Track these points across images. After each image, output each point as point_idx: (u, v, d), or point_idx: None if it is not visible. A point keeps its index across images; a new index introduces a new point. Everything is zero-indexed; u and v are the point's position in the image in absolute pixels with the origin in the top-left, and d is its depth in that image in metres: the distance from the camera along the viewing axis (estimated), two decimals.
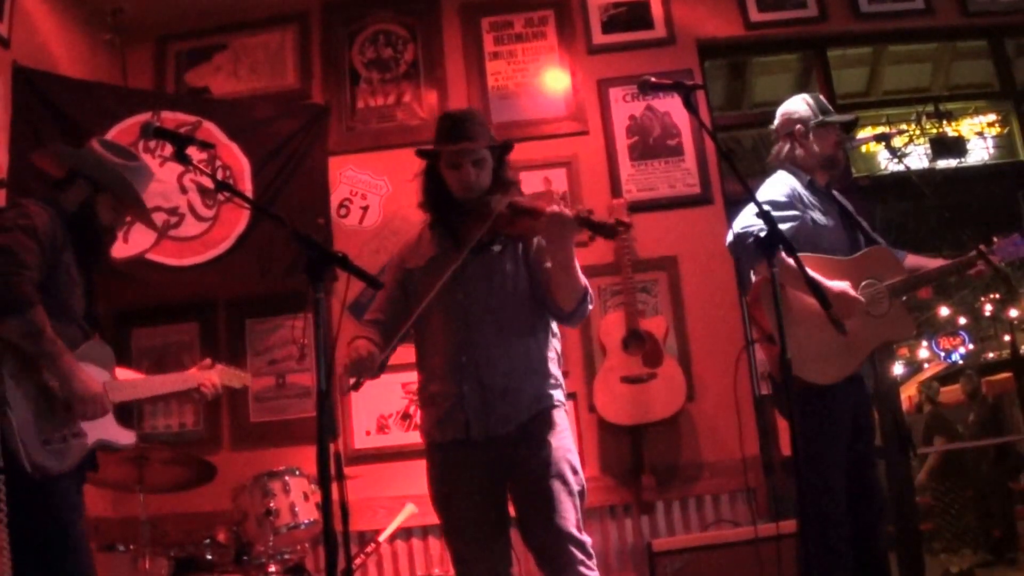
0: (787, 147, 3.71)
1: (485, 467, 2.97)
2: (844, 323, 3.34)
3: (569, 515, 2.91)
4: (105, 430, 3.01)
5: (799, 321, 3.34)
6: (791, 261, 2.80)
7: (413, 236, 3.26)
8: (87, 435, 2.90)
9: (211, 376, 3.51)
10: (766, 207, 3.43)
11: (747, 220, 3.38)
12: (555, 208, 2.83)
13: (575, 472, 2.99)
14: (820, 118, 3.64)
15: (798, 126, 3.67)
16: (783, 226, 3.41)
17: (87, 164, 3.10)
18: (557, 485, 2.93)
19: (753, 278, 3.60)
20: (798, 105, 3.71)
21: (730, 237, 3.46)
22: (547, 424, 3.01)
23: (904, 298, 3.55)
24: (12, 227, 2.78)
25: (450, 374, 2.99)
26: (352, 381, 2.89)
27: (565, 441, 3.02)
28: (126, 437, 3.13)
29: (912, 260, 3.65)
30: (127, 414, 3.23)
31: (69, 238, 2.97)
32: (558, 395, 3.07)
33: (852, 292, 3.38)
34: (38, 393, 2.76)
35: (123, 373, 3.26)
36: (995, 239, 3.52)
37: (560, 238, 2.86)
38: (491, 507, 2.99)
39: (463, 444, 2.96)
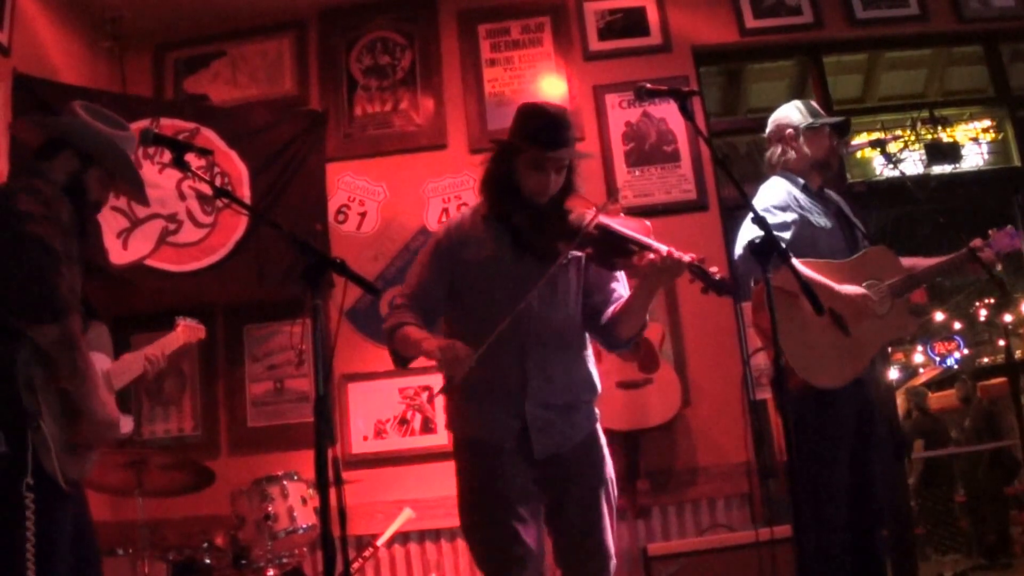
0: (779, 151, 3.74)
1: (533, 476, 2.84)
2: (848, 325, 3.38)
3: (612, 541, 2.88)
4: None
5: (805, 326, 3.36)
6: (792, 265, 2.80)
7: (463, 221, 2.98)
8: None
9: (188, 332, 3.49)
10: (764, 213, 3.47)
11: (751, 234, 3.37)
12: (672, 253, 2.65)
13: (614, 487, 2.96)
14: (810, 121, 3.68)
15: (789, 130, 3.71)
16: (784, 233, 3.44)
17: (77, 134, 2.82)
18: (605, 509, 2.88)
19: (754, 286, 3.62)
20: (789, 111, 3.75)
21: (739, 251, 3.45)
22: (597, 441, 2.96)
23: (904, 298, 3.56)
24: (41, 216, 2.54)
25: (507, 387, 2.84)
26: (444, 384, 2.74)
27: (609, 457, 2.97)
28: (127, 426, 2.95)
29: (908, 261, 3.66)
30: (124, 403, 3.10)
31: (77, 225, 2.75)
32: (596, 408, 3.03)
33: (862, 290, 3.42)
34: (61, 400, 2.58)
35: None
36: (991, 232, 3.54)
37: (661, 281, 2.74)
38: (536, 511, 2.84)
39: (516, 452, 2.83)
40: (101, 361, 2.88)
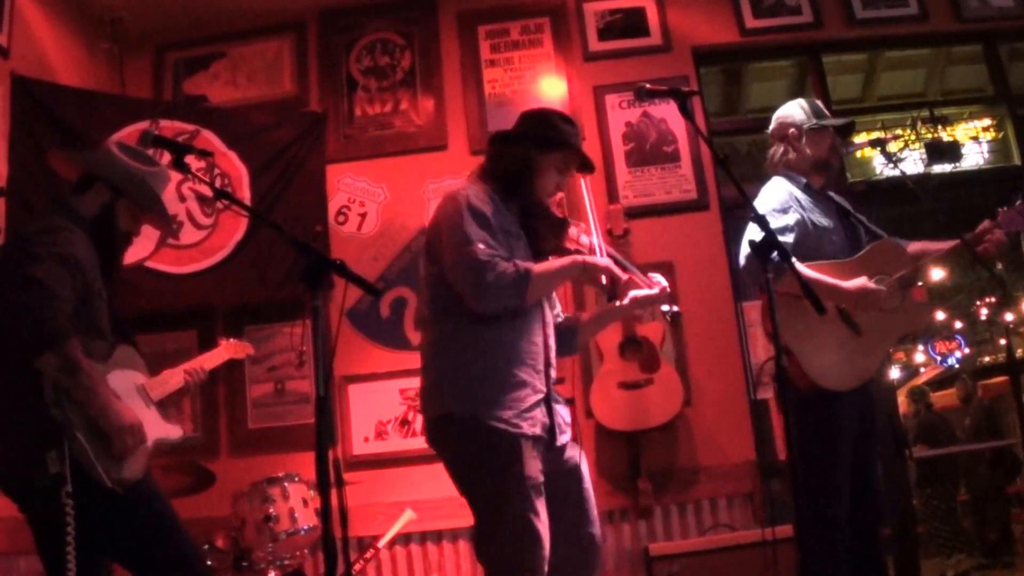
0: (781, 150, 3.71)
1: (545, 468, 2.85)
2: (854, 318, 3.35)
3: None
4: (160, 429, 3.07)
5: (816, 329, 3.34)
6: (793, 266, 2.79)
7: (480, 191, 2.87)
8: (147, 437, 2.91)
9: (233, 349, 3.80)
10: (765, 215, 3.45)
11: (754, 237, 3.35)
12: (666, 289, 2.84)
13: None
14: (814, 122, 3.64)
15: (792, 130, 3.67)
16: (787, 236, 3.41)
17: (108, 169, 3.01)
18: (593, 495, 2.97)
19: (759, 291, 3.60)
20: (793, 109, 3.71)
21: (742, 260, 3.42)
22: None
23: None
24: (46, 256, 2.68)
25: (537, 373, 2.85)
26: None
27: None
28: (175, 432, 3.16)
29: (916, 246, 3.58)
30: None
31: (98, 259, 2.91)
32: None
33: (869, 284, 3.38)
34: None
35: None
36: (1000, 210, 3.42)
37: (643, 307, 2.87)
38: None
39: (541, 440, 2.82)
40: (133, 376, 3.07)
